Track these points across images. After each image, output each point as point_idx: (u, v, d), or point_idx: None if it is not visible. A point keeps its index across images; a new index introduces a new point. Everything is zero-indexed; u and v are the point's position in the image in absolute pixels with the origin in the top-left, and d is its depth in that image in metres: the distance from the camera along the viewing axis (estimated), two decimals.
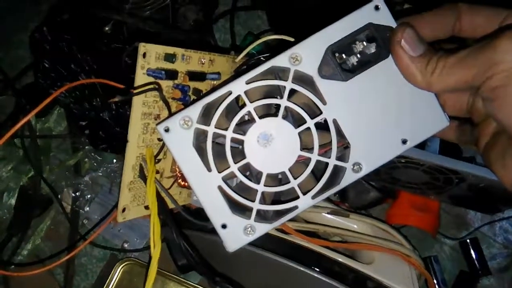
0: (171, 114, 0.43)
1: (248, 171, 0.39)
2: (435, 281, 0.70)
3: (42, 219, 0.73)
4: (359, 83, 0.38)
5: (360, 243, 0.63)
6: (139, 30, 0.78)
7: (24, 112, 0.75)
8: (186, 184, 0.53)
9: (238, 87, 0.38)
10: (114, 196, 0.74)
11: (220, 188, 0.38)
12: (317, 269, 0.57)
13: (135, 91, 0.48)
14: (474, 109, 0.39)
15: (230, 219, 0.39)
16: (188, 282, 0.69)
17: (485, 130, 0.37)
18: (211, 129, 0.38)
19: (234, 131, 0.38)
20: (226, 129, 0.38)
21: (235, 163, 0.38)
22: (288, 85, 0.38)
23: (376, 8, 0.38)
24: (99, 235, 0.73)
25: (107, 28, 0.73)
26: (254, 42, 0.55)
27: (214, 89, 0.41)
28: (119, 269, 0.69)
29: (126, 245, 0.72)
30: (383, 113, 0.39)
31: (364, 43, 0.38)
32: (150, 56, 0.48)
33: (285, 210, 0.39)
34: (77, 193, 0.73)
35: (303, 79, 0.38)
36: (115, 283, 0.68)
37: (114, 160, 0.74)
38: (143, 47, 0.47)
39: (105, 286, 0.68)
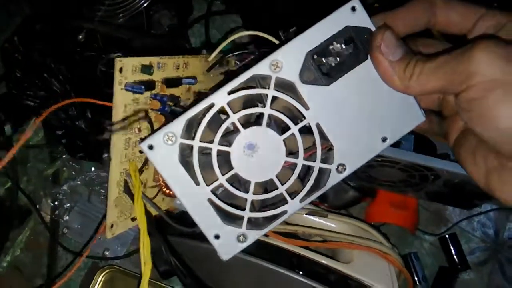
0: (153, 130, 0.41)
1: (236, 180, 0.39)
2: (415, 277, 0.71)
3: (21, 230, 0.73)
4: (340, 86, 0.39)
5: (338, 242, 0.64)
6: (112, 38, 0.78)
7: None
8: (170, 192, 0.52)
9: (220, 99, 0.37)
10: (93, 204, 0.74)
11: (209, 200, 0.38)
12: (297, 271, 0.57)
13: (121, 122, 0.47)
14: (444, 103, 0.39)
15: (222, 229, 0.39)
16: (170, 287, 0.69)
17: (454, 125, 0.37)
18: (196, 143, 0.37)
19: (220, 143, 0.38)
20: (211, 142, 0.38)
21: (223, 174, 0.38)
22: (271, 93, 0.37)
23: (353, 9, 0.38)
24: (80, 243, 0.72)
25: (80, 37, 0.73)
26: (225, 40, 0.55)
27: (196, 101, 0.41)
28: (100, 277, 0.69)
29: (107, 253, 0.71)
30: (364, 114, 0.40)
31: (343, 46, 0.38)
32: (127, 70, 0.47)
33: (275, 215, 0.40)
34: (56, 203, 0.73)
35: (284, 85, 0.38)
36: None
37: (92, 168, 0.74)
38: (119, 61, 0.46)
39: None
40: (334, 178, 0.40)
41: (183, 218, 0.46)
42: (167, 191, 0.53)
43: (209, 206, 0.38)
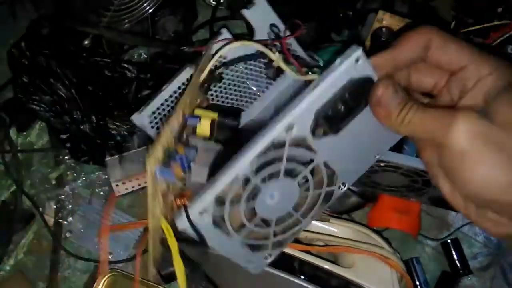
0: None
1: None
2: (417, 282, 0.71)
3: (25, 233, 0.73)
4: (345, 132, 0.42)
5: (340, 246, 0.64)
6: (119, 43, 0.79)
7: (4, 127, 0.76)
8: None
9: (243, 171, 0.40)
10: (94, 207, 0.75)
11: (242, 241, 0.45)
12: (299, 276, 0.58)
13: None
14: None
15: (253, 257, 0.47)
16: None
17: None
18: (226, 212, 0.42)
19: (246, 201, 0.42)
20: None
21: (249, 221, 0.43)
22: (286, 152, 0.41)
23: (356, 60, 0.39)
24: (83, 247, 0.73)
25: (86, 42, 0.74)
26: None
27: (219, 174, 0.41)
28: (103, 281, 0.69)
29: (109, 257, 0.72)
30: (362, 145, 0.46)
31: (347, 96, 0.40)
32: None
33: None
34: (60, 207, 0.73)
35: (296, 139, 0.41)
36: None
37: (95, 172, 0.74)
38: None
39: None
40: (337, 194, 0.47)
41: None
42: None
43: (240, 247, 0.45)
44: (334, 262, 0.64)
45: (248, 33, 0.64)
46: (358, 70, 0.40)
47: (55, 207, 0.74)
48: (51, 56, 0.67)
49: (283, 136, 0.40)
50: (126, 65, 0.75)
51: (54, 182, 0.75)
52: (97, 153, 0.72)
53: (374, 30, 0.69)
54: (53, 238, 0.72)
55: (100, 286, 0.69)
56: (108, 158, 0.68)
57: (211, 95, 0.62)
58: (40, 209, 0.73)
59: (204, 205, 0.40)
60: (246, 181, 0.42)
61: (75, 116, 0.69)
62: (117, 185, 0.70)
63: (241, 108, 0.66)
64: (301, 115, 0.40)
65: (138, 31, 0.78)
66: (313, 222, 0.67)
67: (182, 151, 0.47)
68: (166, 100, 0.59)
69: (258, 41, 0.53)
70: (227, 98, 0.64)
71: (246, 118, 0.66)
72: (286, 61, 0.51)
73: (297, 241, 0.67)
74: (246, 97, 0.65)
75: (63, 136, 0.71)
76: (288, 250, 0.62)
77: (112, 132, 0.68)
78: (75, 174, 0.75)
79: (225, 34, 0.59)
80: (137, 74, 0.75)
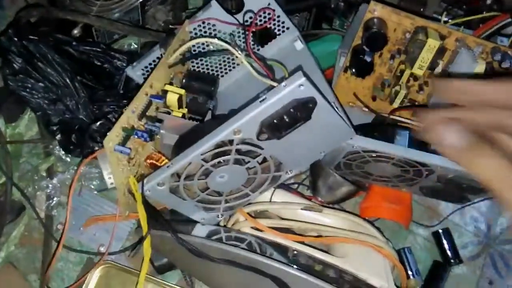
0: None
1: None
2: (409, 271, 0.72)
3: (15, 225, 0.72)
4: (288, 137, 0.53)
5: (333, 236, 0.65)
6: (109, 32, 0.78)
7: None
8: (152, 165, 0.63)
9: (196, 158, 0.53)
10: (84, 198, 0.74)
11: (196, 205, 0.61)
12: (292, 265, 0.58)
13: None
14: None
15: (206, 215, 0.63)
16: (165, 282, 0.69)
17: None
18: (181, 184, 0.56)
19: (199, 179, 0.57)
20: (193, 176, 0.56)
21: (202, 192, 0.59)
22: (234, 147, 0.53)
23: (300, 86, 0.49)
24: (75, 239, 0.72)
25: (75, 32, 0.73)
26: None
27: (178, 158, 0.54)
28: (96, 273, 0.68)
29: (102, 249, 0.71)
30: (307, 146, 0.58)
31: (292, 111, 0.50)
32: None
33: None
34: (50, 199, 0.72)
35: (244, 138, 0.53)
36: (92, 287, 0.68)
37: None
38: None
39: None
40: (284, 177, 0.62)
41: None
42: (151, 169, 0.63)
43: (196, 208, 0.61)
44: (327, 252, 0.65)
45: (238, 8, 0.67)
46: (302, 92, 0.49)
47: (46, 200, 0.73)
48: (40, 42, 0.66)
49: (231, 136, 0.52)
50: (116, 54, 0.74)
51: (44, 174, 0.74)
52: (87, 146, 0.71)
53: (366, 20, 0.69)
54: (45, 230, 0.71)
55: (93, 278, 0.68)
56: (99, 151, 0.67)
57: (191, 62, 0.70)
58: (31, 200, 0.72)
59: (161, 179, 0.55)
60: (201, 164, 0.54)
61: (68, 103, 0.68)
62: (109, 177, 0.70)
63: (218, 75, 0.75)
64: (247, 123, 0.51)
65: (128, 21, 0.77)
66: (306, 212, 0.67)
67: (143, 127, 0.60)
68: (153, 61, 0.69)
69: (225, 41, 0.62)
70: (206, 66, 0.73)
71: (223, 85, 0.75)
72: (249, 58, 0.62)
73: (290, 231, 0.67)
74: (224, 65, 0.74)
75: (54, 128, 0.70)
76: (282, 240, 0.63)
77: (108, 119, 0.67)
78: (65, 166, 0.74)
79: (215, 6, 0.66)
80: (127, 63, 0.74)
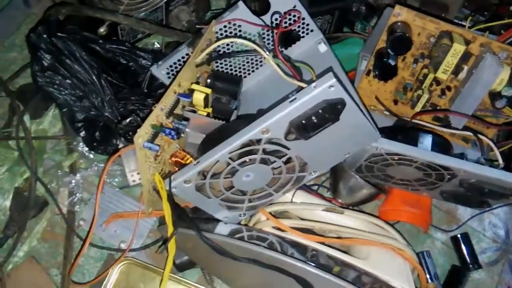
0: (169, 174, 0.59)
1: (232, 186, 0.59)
2: (428, 275, 0.72)
3: (38, 220, 0.73)
4: (315, 138, 0.54)
5: (354, 238, 0.65)
6: (133, 31, 0.78)
7: (18, 114, 0.76)
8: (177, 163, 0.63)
9: (224, 157, 0.54)
10: (106, 195, 0.74)
11: (220, 204, 0.62)
12: (313, 264, 0.58)
13: None
14: None
15: (229, 214, 0.64)
16: (185, 280, 0.69)
17: None
18: (207, 182, 0.57)
19: (225, 177, 0.57)
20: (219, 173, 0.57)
21: (227, 190, 0.60)
22: (261, 147, 0.54)
23: (330, 87, 0.49)
24: (96, 235, 0.73)
25: (102, 30, 0.74)
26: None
27: (205, 156, 0.55)
28: (116, 269, 0.69)
29: (122, 245, 0.72)
30: (332, 147, 0.58)
31: (320, 112, 0.50)
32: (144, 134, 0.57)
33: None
34: (73, 195, 0.73)
35: (271, 138, 0.53)
36: (112, 283, 0.69)
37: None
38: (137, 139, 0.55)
39: (103, 286, 0.68)
40: (308, 178, 0.62)
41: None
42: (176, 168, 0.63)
43: (219, 206, 0.62)
44: (347, 253, 0.65)
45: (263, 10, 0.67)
46: (331, 94, 0.50)
47: (69, 196, 0.73)
48: (68, 39, 0.67)
49: (259, 136, 0.52)
50: (141, 53, 0.74)
51: (67, 170, 0.75)
52: (111, 143, 0.72)
53: (390, 24, 0.69)
54: (67, 226, 0.72)
55: (113, 274, 0.69)
56: (126, 147, 0.67)
57: (216, 62, 0.71)
58: (54, 196, 0.72)
59: (188, 176, 0.55)
60: (227, 163, 0.55)
61: (94, 101, 0.69)
62: (132, 175, 0.70)
63: (242, 75, 0.75)
64: (276, 123, 0.51)
65: (152, 20, 0.78)
66: (327, 214, 0.67)
67: (171, 124, 0.61)
68: (178, 60, 0.69)
69: (253, 42, 0.63)
70: (230, 66, 0.73)
71: (247, 85, 0.76)
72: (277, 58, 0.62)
73: (311, 232, 0.67)
74: (248, 66, 0.74)
75: (79, 124, 0.70)
76: (303, 240, 0.63)
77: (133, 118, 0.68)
78: (88, 163, 0.74)
79: (242, 7, 0.66)
80: (152, 62, 0.74)
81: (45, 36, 0.66)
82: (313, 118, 0.51)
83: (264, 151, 0.55)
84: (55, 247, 0.72)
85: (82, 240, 0.70)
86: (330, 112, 0.52)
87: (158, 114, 0.57)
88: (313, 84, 0.50)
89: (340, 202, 0.75)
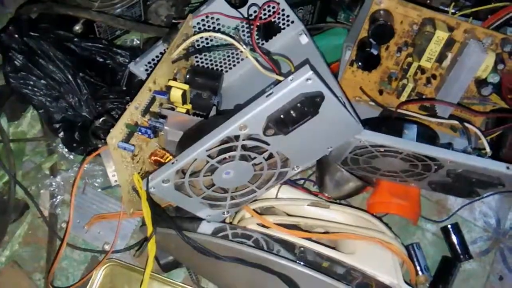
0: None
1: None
2: (418, 267, 0.71)
3: (19, 224, 0.71)
4: (294, 133, 0.52)
5: (340, 232, 0.64)
6: (111, 28, 0.77)
7: None
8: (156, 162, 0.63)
9: (202, 154, 0.52)
10: (88, 196, 0.73)
11: (201, 202, 0.60)
12: (299, 262, 0.57)
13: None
14: None
15: (212, 212, 0.63)
16: (171, 280, 0.68)
17: None
18: (186, 180, 0.55)
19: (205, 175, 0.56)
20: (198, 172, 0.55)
21: (208, 188, 0.58)
22: (240, 143, 0.52)
23: (307, 79, 0.48)
24: (79, 238, 0.71)
25: (77, 28, 0.72)
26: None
27: (183, 154, 0.53)
28: (100, 271, 0.68)
29: (106, 247, 0.70)
30: (314, 141, 0.57)
31: (299, 106, 0.49)
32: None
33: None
34: (54, 197, 0.72)
35: (250, 134, 0.52)
36: (97, 285, 0.67)
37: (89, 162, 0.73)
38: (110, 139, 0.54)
39: None
40: (290, 173, 0.61)
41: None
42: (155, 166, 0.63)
43: (201, 205, 0.61)
44: (335, 249, 0.64)
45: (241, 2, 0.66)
46: (309, 87, 0.48)
47: (49, 197, 0.72)
48: (42, 38, 0.65)
49: (237, 132, 0.51)
50: (118, 50, 0.73)
51: (47, 172, 0.74)
52: (91, 143, 0.70)
53: (372, 12, 0.67)
54: (49, 229, 0.70)
55: (98, 276, 0.68)
56: (102, 148, 0.66)
57: (195, 57, 0.70)
58: (34, 199, 0.71)
59: (166, 176, 0.54)
60: (206, 160, 0.53)
61: (71, 101, 0.67)
62: (113, 175, 0.69)
63: (223, 70, 0.74)
64: (253, 118, 0.50)
65: (130, 16, 0.76)
66: (313, 208, 0.66)
67: (146, 123, 0.59)
68: (157, 56, 0.68)
69: (229, 36, 0.61)
70: (210, 61, 0.72)
71: (227, 80, 0.74)
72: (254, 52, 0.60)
73: (297, 228, 0.66)
74: (228, 60, 0.73)
75: (56, 125, 0.69)
76: (288, 237, 0.62)
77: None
78: (68, 164, 0.73)
79: (218, 0, 0.65)
80: (130, 59, 0.73)
81: (16, 35, 0.64)
82: (292, 112, 0.50)
83: (244, 148, 0.54)
84: (38, 251, 0.71)
85: (66, 244, 0.69)
86: (309, 105, 0.50)
87: (132, 112, 0.55)
88: (290, 78, 0.48)
89: (327, 196, 0.73)
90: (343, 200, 0.76)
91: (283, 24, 0.72)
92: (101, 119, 0.64)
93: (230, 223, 0.66)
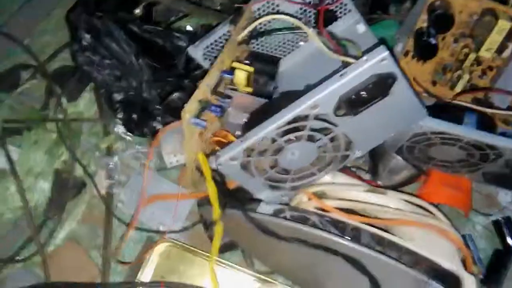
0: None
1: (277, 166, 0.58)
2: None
3: (77, 202, 0.73)
4: (363, 114, 0.53)
5: (399, 219, 0.64)
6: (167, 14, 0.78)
7: (54, 95, 0.75)
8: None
9: (270, 134, 0.53)
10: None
11: (263, 182, 0.60)
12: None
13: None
14: None
15: (271, 194, 0.63)
16: (225, 262, 0.69)
17: None
18: (253, 159, 0.56)
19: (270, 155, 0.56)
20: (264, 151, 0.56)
21: (271, 169, 0.59)
22: (309, 123, 0.53)
23: (382, 60, 0.48)
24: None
25: (137, 11, 0.73)
26: None
27: (252, 132, 0.54)
28: (156, 251, 0.69)
29: (161, 227, 0.71)
30: (380, 125, 0.57)
31: (370, 87, 0.50)
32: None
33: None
34: (110, 177, 0.73)
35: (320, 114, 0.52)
36: (152, 264, 0.68)
37: (145, 143, 0.74)
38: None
39: (142, 268, 0.68)
40: (351, 157, 0.61)
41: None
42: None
43: (263, 186, 0.61)
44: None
45: None
46: (383, 67, 0.48)
47: (107, 178, 0.73)
48: (107, 19, 0.66)
49: (308, 111, 0.51)
50: (177, 34, 0.74)
51: (104, 152, 0.75)
52: (149, 125, 0.71)
53: (430, 2, 0.68)
54: (106, 208, 0.71)
55: (153, 256, 0.68)
56: (163, 128, 0.67)
57: (252, 43, 0.70)
58: (92, 178, 0.72)
59: (234, 153, 0.54)
60: (273, 140, 0.54)
61: (132, 81, 0.68)
62: (169, 157, 0.70)
63: (279, 56, 0.73)
64: (325, 98, 0.50)
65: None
66: (370, 194, 0.66)
67: (216, 101, 0.59)
68: (215, 41, 0.68)
69: (294, 17, 0.62)
70: (267, 47, 0.71)
71: (283, 66, 0.73)
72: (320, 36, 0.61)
73: (353, 213, 0.66)
74: (285, 47, 0.72)
75: (117, 105, 0.70)
76: (348, 220, 0.62)
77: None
78: (125, 145, 0.74)
79: None
80: (187, 43, 0.74)
81: (84, 15, 0.66)
82: (363, 93, 0.50)
83: (311, 128, 0.54)
84: (95, 229, 0.72)
85: (122, 223, 0.70)
86: (380, 86, 0.51)
87: (204, 90, 0.56)
88: (364, 58, 0.49)
89: (378, 184, 0.73)
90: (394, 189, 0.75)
91: (340, 12, 0.72)
92: (174, 94, 0.65)
93: (287, 205, 0.66)
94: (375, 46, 0.50)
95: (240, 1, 0.82)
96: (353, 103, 0.51)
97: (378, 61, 0.48)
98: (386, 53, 0.48)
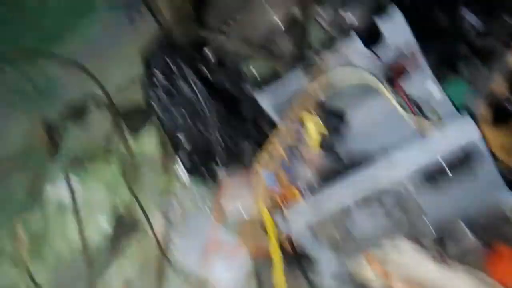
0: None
1: None
2: None
3: (131, 241, 0.72)
4: (443, 188, 0.52)
5: None
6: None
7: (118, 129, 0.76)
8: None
9: (351, 204, 0.54)
10: (198, 221, 0.72)
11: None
12: None
13: None
14: None
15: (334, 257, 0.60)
16: None
17: None
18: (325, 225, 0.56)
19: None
20: None
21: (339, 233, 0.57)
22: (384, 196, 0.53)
23: (468, 133, 0.48)
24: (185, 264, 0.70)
25: (207, 54, 0.73)
26: None
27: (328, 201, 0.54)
28: None
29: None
30: (458, 200, 0.54)
31: (456, 162, 0.49)
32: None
33: None
34: (166, 218, 0.72)
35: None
36: None
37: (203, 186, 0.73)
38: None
39: None
40: (419, 230, 0.58)
41: None
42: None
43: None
44: None
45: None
46: (468, 141, 0.47)
47: (161, 217, 0.72)
48: (181, 59, 0.67)
49: (389, 187, 0.50)
50: (245, 80, 0.73)
51: (161, 191, 0.74)
52: (209, 169, 0.70)
53: None
54: (160, 249, 0.69)
55: None
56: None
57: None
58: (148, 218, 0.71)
59: (307, 217, 0.54)
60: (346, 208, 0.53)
61: (198, 123, 0.68)
62: (229, 206, 0.68)
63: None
64: (406, 175, 0.50)
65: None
66: (436, 267, 0.62)
67: (288, 161, 0.57)
68: (285, 89, 0.65)
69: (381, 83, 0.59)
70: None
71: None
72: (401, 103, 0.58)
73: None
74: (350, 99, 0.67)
75: (180, 146, 0.69)
76: None
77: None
78: (183, 187, 0.73)
79: (354, 39, 0.63)
80: (252, 89, 0.73)
81: (160, 54, 0.67)
82: (447, 167, 0.50)
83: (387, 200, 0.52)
84: (147, 270, 0.70)
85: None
86: (464, 161, 0.49)
87: (277, 144, 0.55)
88: (450, 130, 0.49)
89: (444, 256, 0.69)
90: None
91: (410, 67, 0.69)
92: (246, 143, 0.64)
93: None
94: (452, 110, 0.51)
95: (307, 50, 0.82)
96: (434, 177, 0.49)
97: (464, 135, 0.48)
98: (474, 129, 0.48)
